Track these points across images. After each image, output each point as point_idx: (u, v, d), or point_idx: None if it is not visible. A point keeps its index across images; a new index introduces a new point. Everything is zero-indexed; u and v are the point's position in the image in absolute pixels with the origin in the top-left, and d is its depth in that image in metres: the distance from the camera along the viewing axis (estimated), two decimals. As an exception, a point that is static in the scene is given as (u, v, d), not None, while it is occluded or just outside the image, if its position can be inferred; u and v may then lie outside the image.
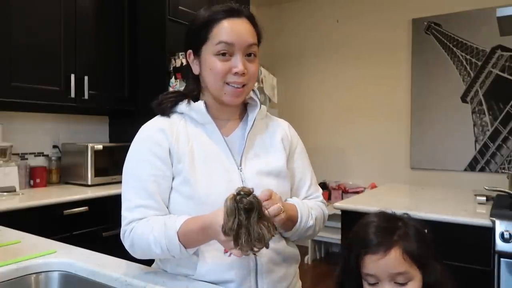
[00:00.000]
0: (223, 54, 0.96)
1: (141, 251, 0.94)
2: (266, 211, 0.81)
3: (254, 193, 0.80)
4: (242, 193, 0.78)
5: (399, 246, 0.80)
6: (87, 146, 2.58)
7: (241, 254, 0.79)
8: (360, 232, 0.84)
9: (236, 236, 0.76)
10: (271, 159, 1.04)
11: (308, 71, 4.34)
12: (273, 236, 0.80)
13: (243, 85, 0.98)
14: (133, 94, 2.90)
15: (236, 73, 0.96)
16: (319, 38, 4.26)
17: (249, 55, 0.99)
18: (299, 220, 1.00)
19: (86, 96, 2.57)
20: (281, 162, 1.05)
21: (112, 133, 3.15)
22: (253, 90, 1.08)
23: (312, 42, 4.31)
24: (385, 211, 0.91)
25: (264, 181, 0.99)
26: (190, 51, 1.03)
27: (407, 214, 0.91)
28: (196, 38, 1.00)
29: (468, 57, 3.46)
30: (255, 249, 0.78)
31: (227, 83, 0.97)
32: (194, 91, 1.05)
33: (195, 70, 1.02)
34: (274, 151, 1.06)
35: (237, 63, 0.96)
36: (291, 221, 0.97)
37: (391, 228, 0.83)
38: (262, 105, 1.08)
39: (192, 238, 0.88)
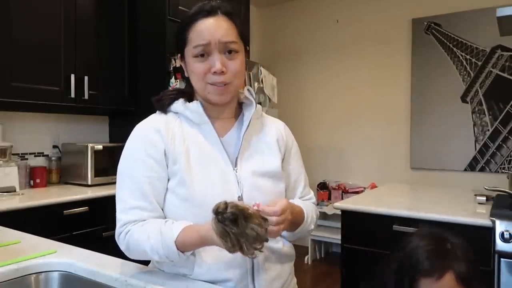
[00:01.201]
0: (202, 55, 0.96)
1: (137, 255, 0.95)
2: (249, 209, 0.82)
3: (227, 202, 0.81)
4: (220, 210, 0.80)
5: (452, 270, 0.81)
6: (87, 146, 2.58)
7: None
8: (413, 257, 0.84)
9: (240, 247, 0.79)
10: (266, 160, 1.04)
11: (308, 71, 4.34)
12: (267, 227, 0.82)
13: (225, 84, 0.97)
14: (133, 94, 2.90)
15: (215, 73, 0.95)
16: (319, 38, 4.26)
17: (229, 52, 0.97)
18: (303, 223, 1.03)
19: (86, 96, 2.57)
20: (277, 163, 1.05)
21: (112, 133, 3.15)
22: (248, 90, 1.07)
23: (312, 42, 4.30)
24: (431, 230, 0.89)
25: (260, 182, 0.99)
26: (179, 54, 1.03)
27: (448, 232, 0.89)
28: (179, 42, 1.01)
29: (468, 57, 3.46)
30: (258, 247, 0.80)
31: (209, 83, 0.97)
32: (190, 90, 1.06)
33: (185, 72, 1.03)
34: (269, 152, 1.06)
35: (214, 62, 0.95)
36: (297, 224, 1.01)
37: (442, 251, 0.82)
38: (258, 104, 1.07)
39: (190, 246, 0.90)
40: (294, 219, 0.95)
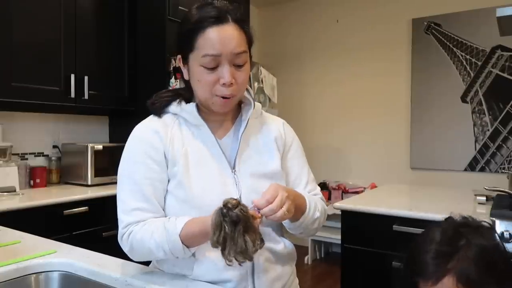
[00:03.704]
0: (210, 65, 0.92)
1: (140, 255, 0.95)
2: (254, 223, 0.80)
3: (241, 203, 0.80)
4: (229, 205, 0.79)
5: (453, 273, 0.75)
6: (87, 146, 2.58)
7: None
8: (416, 256, 0.79)
9: (222, 248, 0.78)
10: (265, 161, 1.03)
11: (308, 71, 4.34)
12: (258, 250, 0.81)
13: (232, 96, 0.95)
14: (133, 94, 2.90)
15: (223, 84, 0.92)
16: (319, 38, 4.26)
17: (239, 63, 0.94)
18: (307, 210, 0.98)
19: (86, 96, 2.57)
20: (276, 163, 1.03)
21: (112, 133, 3.15)
22: (247, 89, 1.05)
23: (312, 42, 4.30)
24: (454, 219, 0.83)
25: (258, 184, 0.98)
26: (179, 56, 1.00)
27: (486, 222, 0.82)
28: (183, 45, 0.97)
29: (468, 57, 3.46)
30: (239, 259, 0.79)
31: (216, 95, 0.94)
32: (187, 92, 1.04)
33: (185, 75, 1.00)
34: (268, 152, 1.04)
35: (224, 73, 0.91)
36: (299, 210, 0.96)
37: (449, 252, 0.77)
38: (256, 104, 1.06)
39: (194, 240, 0.89)
40: (295, 200, 0.91)
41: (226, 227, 0.78)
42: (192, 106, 0.99)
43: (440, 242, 0.78)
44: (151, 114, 1.04)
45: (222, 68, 0.92)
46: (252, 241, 0.79)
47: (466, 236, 0.78)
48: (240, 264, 0.80)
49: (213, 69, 0.92)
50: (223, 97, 0.94)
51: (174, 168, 0.96)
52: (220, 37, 0.91)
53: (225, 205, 0.79)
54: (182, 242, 0.88)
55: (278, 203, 0.84)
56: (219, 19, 0.92)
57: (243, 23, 0.96)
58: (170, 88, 2.65)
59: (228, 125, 1.05)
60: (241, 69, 0.95)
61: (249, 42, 0.98)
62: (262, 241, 0.82)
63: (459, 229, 0.80)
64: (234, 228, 0.78)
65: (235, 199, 0.80)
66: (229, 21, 0.93)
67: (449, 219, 0.84)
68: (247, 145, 1.03)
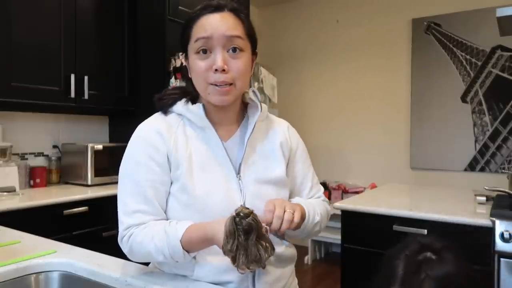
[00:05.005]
0: (204, 51, 0.91)
1: (140, 257, 0.95)
2: (264, 231, 0.81)
3: (254, 212, 0.80)
4: (241, 214, 0.79)
5: None
6: (87, 146, 2.58)
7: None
8: (389, 273, 0.77)
9: (234, 256, 0.78)
10: (270, 167, 1.01)
11: (308, 71, 4.34)
12: (270, 256, 0.81)
13: (230, 84, 0.91)
14: (133, 94, 2.90)
15: (216, 71, 0.89)
16: (319, 38, 4.26)
17: (233, 50, 0.91)
18: (306, 217, 0.98)
19: (86, 96, 2.57)
20: (281, 169, 1.02)
21: (112, 133, 3.15)
22: (253, 91, 1.03)
23: (312, 42, 4.31)
24: (415, 244, 0.80)
25: (263, 190, 0.97)
26: (184, 54, 1.00)
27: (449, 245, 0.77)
28: (182, 39, 0.97)
29: (468, 57, 3.46)
30: (251, 268, 0.79)
31: (211, 84, 0.91)
32: (193, 91, 1.02)
33: (189, 72, 0.99)
34: (273, 158, 1.03)
35: (216, 58, 0.89)
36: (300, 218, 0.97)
37: (416, 272, 0.74)
38: (263, 106, 1.03)
39: (194, 246, 0.88)
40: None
41: (240, 236, 0.78)
42: (199, 107, 0.97)
43: (401, 279, 0.75)
44: (156, 110, 1.03)
45: (214, 53, 0.91)
46: (264, 249, 0.79)
47: (424, 270, 0.75)
48: (251, 271, 0.80)
49: (206, 55, 0.91)
50: (219, 86, 0.91)
51: (177, 171, 0.94)
52: (211, 21, 0.91)
53: (238, 214, 0.79)
54: (183, 248, 0.87)
55: (279, 209, 0.85)
56: (213, 8, 0.93)
57: (239, 12, 0.95)
58: (170, 88, 2.65)
59: (234, 128, 1.02)
60: (236, 57, 0.91)
61: (248, 32, 0.96)
62: (273, 248, 0.82)
63: (418, 258, 0.77)
64: (248, 237, 0.78)
65: (247, 208, 0.80)
66: (224, 9, 0.93)
67: (409, 244, 0.79)
68: (253, 150, 1.00)
